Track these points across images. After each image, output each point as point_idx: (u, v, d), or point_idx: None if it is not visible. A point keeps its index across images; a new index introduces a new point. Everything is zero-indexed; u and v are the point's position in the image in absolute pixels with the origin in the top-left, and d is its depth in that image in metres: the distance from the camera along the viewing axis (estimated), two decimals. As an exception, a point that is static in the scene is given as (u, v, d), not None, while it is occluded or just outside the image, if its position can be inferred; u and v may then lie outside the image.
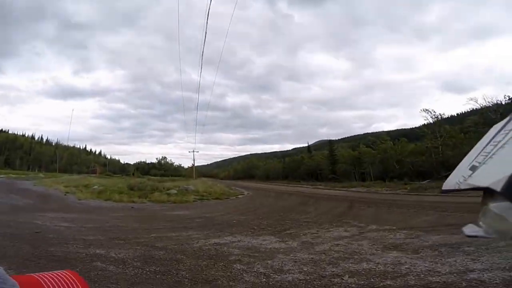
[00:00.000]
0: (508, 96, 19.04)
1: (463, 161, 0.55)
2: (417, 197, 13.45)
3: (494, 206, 0.41)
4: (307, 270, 3.66)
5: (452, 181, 0.53)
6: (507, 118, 0.52)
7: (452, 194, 0.54)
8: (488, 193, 0.41)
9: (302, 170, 43.20)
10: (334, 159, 34.88)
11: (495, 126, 0.55)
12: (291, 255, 4.32)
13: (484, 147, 0.51)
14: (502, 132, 0.49)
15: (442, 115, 22.19)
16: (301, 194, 18.41)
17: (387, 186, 19.06)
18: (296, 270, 3.64)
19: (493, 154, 0.45)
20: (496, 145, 0.47)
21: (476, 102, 19.72)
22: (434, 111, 22.00)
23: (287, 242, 5.16)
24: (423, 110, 23.04)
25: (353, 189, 20.92)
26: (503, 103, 18.90)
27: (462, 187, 0.48)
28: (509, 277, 3.20)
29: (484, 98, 18.59)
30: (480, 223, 0.44)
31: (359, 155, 30.21)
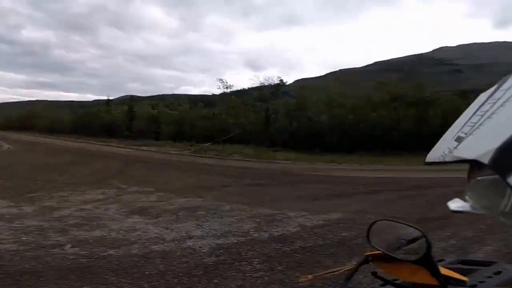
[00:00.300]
0: (279, 78, 24.24)
1: (448, 131, 0.49)
2: (195, 158, 14.54)
3: (481, 179, 0.39)
4: (26, 239, 3.31)
5: (437, 152, 0.48)
6: (495, 86, 0.47)
7: (436, 166, 0.49)
8: (475, 166, 0.40)
9: (97, 125, 37.25)
10: (132, 115, 32.55)
11: (482, 94, 0.49)
12: (16, 222, 3.89)
13: (471, 117, 0.46)
14: (489, 101, 0.45)
15: (231, 86, 25.32)
16: (81, 151, 15.91)
17: (176, 147, 19.50)
18: (11, 240, 3.25)
19: (480, 124, 0.43)
20: (483, 115, 0.44)
21: (258, 79, 24.21)
22: (226, 82, 24.85)
23: (21, 207, 4.63)
24: (218, 80, 25.31)
25: (145, 147, 20.19)
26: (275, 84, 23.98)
27: (447, 159, 0.44)
28: (216, 245, 3.15)
29: (264, 78, 22.85)
30: (467, 197, 0.43)
31: (158, 114, 29.60)
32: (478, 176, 0.41)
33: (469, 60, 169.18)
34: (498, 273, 0.75)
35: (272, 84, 24.22)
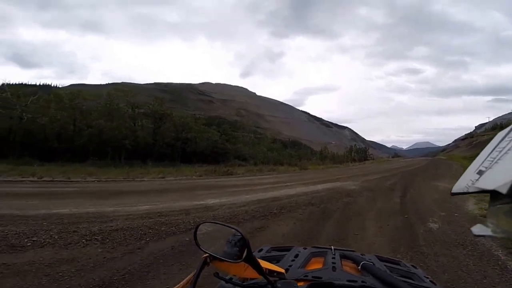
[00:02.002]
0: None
1: (470, 166, 0.59)
2: None
3: (501, 207, 0.44)
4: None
5: (461, 184, 0.55)
6: (511, 126, 0.59)
7: (461, 195, 0.59)
8: (494, 195, 0.44)
9: None
10: None
11: (499, 133, 0.60)
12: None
13: (490, 153, 0.55)
14: (506, 139, 0.54)
15: None
16: None
17: None
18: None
19: (499, 159, 0.49)
20: (501, 151, 0.51)
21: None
22: None
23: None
24: None
25: None
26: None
27: (470, 190, 0.51)
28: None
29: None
30: (488, 223, 0.47)
31: None
32: (498, 204, 0.45)
33: (220, 96, 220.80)
34: (296, 256, 0.92)
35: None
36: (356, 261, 0.85)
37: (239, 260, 0.64)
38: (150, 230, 4.32)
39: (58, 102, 20.38)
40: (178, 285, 0.71)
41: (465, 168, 0.67)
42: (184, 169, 16.65)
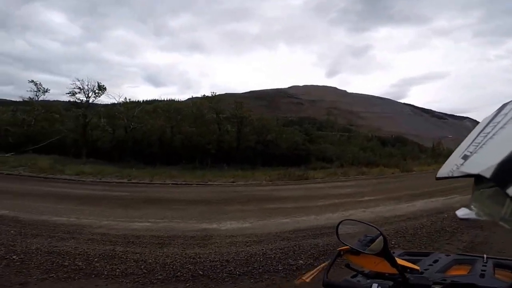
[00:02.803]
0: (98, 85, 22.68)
1: (455, 151, 0.58)
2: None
3: (484, 191, 0.45)
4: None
5: (446, 169, 0.55)
6: (495, 112, 0.56)
7: (446, 180, 0.56)
8: (479, 179, 0.45)
9: None
10: None
11: (484, 118, 0.60)
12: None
13: (475, 138, 0.54)
14: (491, 124, 0.53)
15: (47, 90, 22.28)
16: None
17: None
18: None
19: (483, 144, 0.49)
20: (486, 136, 0.51)
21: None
22: (40, 85, 21.89)
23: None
24: (31, 81, 22.02)
25: None
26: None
27: (455, 174, 0.50)
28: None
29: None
30: (472, 206, 0.49)
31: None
32: (481, 188, 0.46)
33: (308, 97, 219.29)
34: (436, 261, 0.90)
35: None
36: None
37: (375, 253, 0.70)
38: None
39: (154, 111, 22.83)
40: (312, 271, 0.83)
41: None
42: (259, 172, 15.54)
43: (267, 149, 22.48)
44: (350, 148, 24.32)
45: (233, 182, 12.62)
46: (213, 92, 24.97)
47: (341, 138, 34.71)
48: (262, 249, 3.75)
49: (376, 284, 0.72)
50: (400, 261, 0.71)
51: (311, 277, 0.83)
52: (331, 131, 38.52)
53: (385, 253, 0.68)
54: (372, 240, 0.72)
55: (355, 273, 0.83)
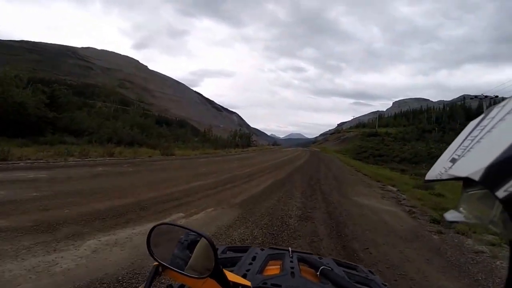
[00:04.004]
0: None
1: (443, 154, 0.58)
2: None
3: (473, 194, 0.45)
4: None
5: (434, 172, 0.54)
6: (482, 115, 0.57)
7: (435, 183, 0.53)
8: (467, 182, 0.45)
9: None
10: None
11: (471, 122, 0.58)
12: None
13: (462, 142, 0.55)
14: (478, 128, 0.54)
15: None
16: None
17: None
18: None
19: (471, 148, 0.50)
20: (473, 139, 0.51)
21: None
22: None
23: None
24: None
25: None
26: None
27: (444, 177, 0.51)
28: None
29: None
30: (461, 209, 0.48)
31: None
32: (470, 191, 0.45)
33: (104, 63, 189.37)
34: (254, 258, 0.87)
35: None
36: (314, 266, 0.86)
37: (204, 276, 0.57)
38: None
39: None
40: None
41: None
42: None
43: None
44: (113, 123, 20.63)
45: None
46: None
47: (114, 112, 30.12)
48: None
49: None
50: (230, 277, 0.61)
51: None
52: (104, 100, 32.79)
53: (216, 273, 0.57)
54: (188, 247, 0.62)
55: None
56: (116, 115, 27.78)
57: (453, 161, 0.52)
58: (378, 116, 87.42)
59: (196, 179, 8.42)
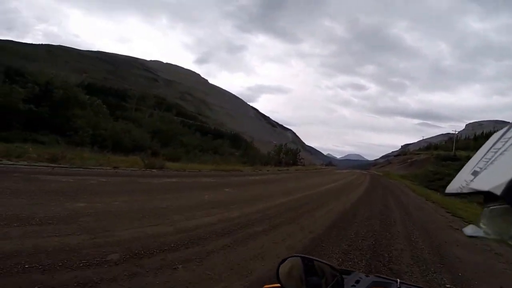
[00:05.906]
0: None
1: (465, 167, 0.57)
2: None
3: (494, 208, 0.43)
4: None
5: (455, 185, 0.54)
6: (506, 127, 0.56)
7: (455, 197, 0.55)
8: (488, 196, 0.43)
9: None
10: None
11: (494, 134, 0.57)
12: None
13: (485, 154, 0.53)
14: (501, 140, 0.52)
15: None
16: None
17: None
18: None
19: (494, 160, 0.48)
20: (496, 152, 0.50)
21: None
22: None
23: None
24: None
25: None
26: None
27: (465, 191, 0.50)
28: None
29: None
30: (481, 224, 0.47)
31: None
32: (491, 206, 0.44)
33: (167, 75, 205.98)
34: (357, 281, 0.87)
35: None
36: None
37: None
38: None
39: None
40: None
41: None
42: None
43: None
44: (114, 125, 16.86)
45: None
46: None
47: (149, 116, 27.75)
48: None
49: None
50: None
51: None
52: (138, 104, 30.84)
53: None
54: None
55: None
56: (138, 118, 25.00)
57: (475, 173, 0.49)
58: (456, 138, 72.60)
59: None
